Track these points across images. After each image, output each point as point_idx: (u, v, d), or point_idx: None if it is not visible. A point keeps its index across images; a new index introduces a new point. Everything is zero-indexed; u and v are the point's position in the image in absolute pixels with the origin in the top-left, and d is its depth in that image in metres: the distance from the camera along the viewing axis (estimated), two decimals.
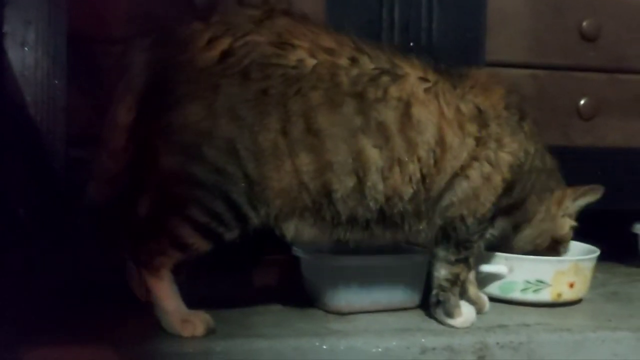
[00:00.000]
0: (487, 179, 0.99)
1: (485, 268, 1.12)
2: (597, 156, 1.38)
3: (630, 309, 1.15)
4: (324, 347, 0.91)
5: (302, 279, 1.10)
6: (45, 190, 1.05)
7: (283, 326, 0.97)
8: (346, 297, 1.03)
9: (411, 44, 1.25)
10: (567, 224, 1.15)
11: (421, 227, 0.99)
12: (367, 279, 1.04)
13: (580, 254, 1.18)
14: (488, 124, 0.99)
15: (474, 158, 0.98)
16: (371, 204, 0.93)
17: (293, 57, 0.89)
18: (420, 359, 0.94)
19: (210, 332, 0.91)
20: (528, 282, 1.11)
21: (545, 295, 1.11)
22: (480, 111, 0.99)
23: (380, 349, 0.93)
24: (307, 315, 1.03)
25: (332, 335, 0.94)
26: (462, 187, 0.98)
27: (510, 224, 1.08)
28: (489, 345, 0.96)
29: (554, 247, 1.15)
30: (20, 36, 1.08)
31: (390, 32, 1.24)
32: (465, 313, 1.01)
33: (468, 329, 1.00)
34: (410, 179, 0.94)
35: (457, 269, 1.02)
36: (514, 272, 1.11)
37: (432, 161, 0.95)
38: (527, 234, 1.11)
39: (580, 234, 1.22)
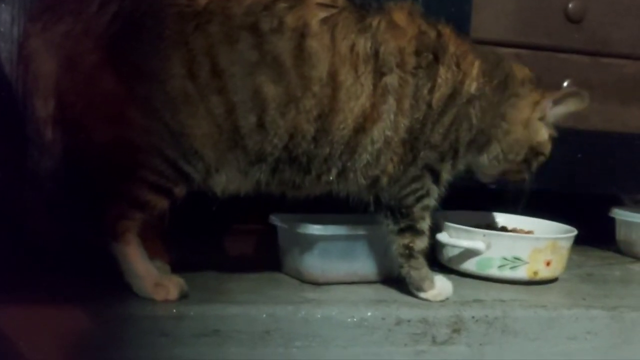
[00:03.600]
0: (387, 142, 0.96)
1: (463, 244, 1.12)
2: (577, 139, 1.37)
3: (605, 289, 1.16)
4: (299, 315, 0.91)
5: (278, 248, 1.09)
6: (19, 149, 1.02)
7: (258, 294, 0.97)
8: (322, 267, 1.02)
9: None
10: (544, 131, 1.06)
11: (331, 177, 0.96)
12: (344, 249, 1.03)
13: (558, 234, 1.18)
14: (386, 73, 0.94)
15: (374, 107, 0.94)
16: (275, 140, 0.91)
17: None
18: (394, 330, 0.93)
19: (183, 297, 0.90)
20: (505, 258, 1.10)
21: (522, 273, 1.11)
22: (377, 54, 0.94)
23: (355, 319, 0.92)
24: (283, 284, 1.03)
25: (307, 304, 0.93)
26: (368, 148, 0.95)
27: (473, 156, 1.05)
28: (464, 319, 0.96)
29: (530, 160, 1.07)
30: None
31: None
32: (439, 286, 1.01)
33: (444, 303, 1.00)
34: (308, 117, 0.91)
35: (405, 240, 0.99)
36: (492, 249, 1.10)
37: (326, 99, 0.92)
38: (495, 153, 1.05)
39: (559, 217, 1.23)
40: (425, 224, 1.01)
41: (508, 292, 1.07)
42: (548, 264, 1.12)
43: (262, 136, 0.91)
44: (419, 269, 1.00)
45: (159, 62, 0.87)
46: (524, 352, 0.98)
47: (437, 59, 0.98)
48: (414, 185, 0.99)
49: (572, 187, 1.41)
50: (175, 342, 0.86)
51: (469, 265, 1.13)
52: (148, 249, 0.93)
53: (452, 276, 1.13)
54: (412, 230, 0.99)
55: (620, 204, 1.53)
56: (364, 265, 1.05)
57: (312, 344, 0.91)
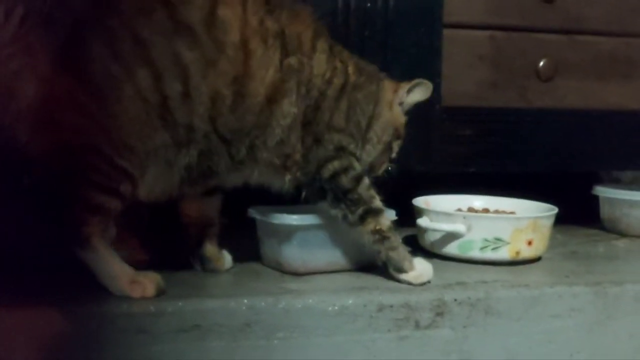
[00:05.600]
0: (294, 120, 0.97)
1: (444, 227, 1.11)
2: (556, 118, 1.37)
3: (588, 266, 1.16)
4: (279, 306, 0.90)
5: (258, 240, 1.08)
6: None
7: (237, 286, 0.96)
8: (302, 257, 1.02)
9: (367, 4, 1.24)
10: (402, 115, 1.11)
11: (242, 155, 0.95)
12: (323, 238, 1.03)
13: (539, 213, 1.17)
14: (290, 54, 0.97)
15: (282, 82, 0.95)
16: (201, 109, 0.90)
17: None
18: (377, 317, 0.93)
19: (160, 293, 0.89)
20: (486, 240, 1.10)
21: (504, 254, 1.11)
22: (283, 34, 0.97)
23: (336, 307, 0.92)
24: (263, 276, 1.02)
25: (288, 294, 0.93)
26: (280, 122, 0.96)
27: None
28: (446, 302, 0.96)
29: (391, 144, 1.09)
30: None
31: None
32: (420, 269, 1.00)
33: (426, 287, 0.99)
34: (225, 80, 0.91)
35: (370, 226, 0.99)
36: (472, 231, 1.10)
37: (240, 64, 0.92)
38: (373, 136, 1.06)
39: (541, 196, 1.22)
40: (378, 202, 1.00)
41: (490, 273, 1.06)
42: (530, 243, 1.11)
43: (189, 106, 0.90)
44: (396, 249, 0.99)
45: (78, 50, 0.85)
46: (508, 332, 0.98)
47: (332, 50, 1.02)
48: (337, 164, 0.99)
49: (555, 166, 1.41)
50: (154, 339, 0.85)
51: (451, 249, 1.12)
52: (124, 247, 0.92)
53: (435, 260, 1.13)
54: (371, 212, 0.99)
55: (599, 181, 1.54)
56: (345, 253, 1.05)
57: (293, 334, 0.90)
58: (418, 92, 1.10)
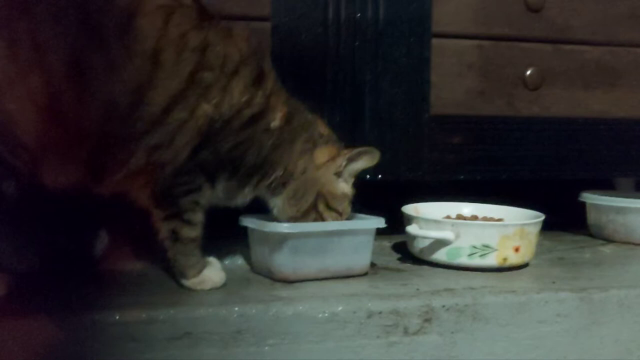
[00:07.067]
0: (181, 125, 0.95)
1: (432, 234, 1.13)
2: (543, 126, 1.39)
3: (575, 272, 1.17)
4: (270, 313, 0.91)
5: (249, 248, 1.10)
6: None
7: (228, 294, 0.97)
8: (293, 265, 1.03)
9: (358, 14, 1.25)
10: (339, 185, 1.08)
11: (125, 157, 0.95)
12: (314, 246, 1.04)
13: (526, 220, 1.19)
14: (207, 69, 0.96)
15: (183, 92, 0.94)
16: (94, 114, 0.90)
17: None
18: (366, 323, 0.94)
19: None
20: (474, 247, 1.12)
21: (492, 260, 1.12)
22: (204, 50, 0.96)
23: (326, 314, 0.93)
24: (254, 284, 1.03)
25: (278, 302, 0.94)
26: (170, 123, 0.95)
27: (266, 193, 1.06)
28: (434, 308, 0.97)
29: (319, 209, 1.06)
30: None
31: (337, 1, 1.24)
32: (206, 275, 0.99)
33: (414, 293, 1.00)
34: (126, 86, 0.91)
35: (170, 225, 0.98)
36: (460, 238, 1.11)
37: (145, 75, 0.92)
38: (290, 194, 1.05)
39: (529, 203, 1.24)
40: (194, 216, 0.99)
41: (478, 280, 1.08)
42: (517, 250, 1.13)
43: (82, 110, 0.90)
44: (187, 256, 0.98)
45: None
46: (496, 337, 0.99)
47: (259, 81, 1.01)
48: (186, 178, 0.98)
49: (543, 174, 1.43)
50: (146, 347, 0.86)
51: (440, 256, 1.14)
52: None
53: (424, 267, 1.15)
54: (178, 218, 0.98)
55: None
56: (335, 260, 1.06)
57: (284, 341, 0.91)
58: (362, 161, 1.08)
